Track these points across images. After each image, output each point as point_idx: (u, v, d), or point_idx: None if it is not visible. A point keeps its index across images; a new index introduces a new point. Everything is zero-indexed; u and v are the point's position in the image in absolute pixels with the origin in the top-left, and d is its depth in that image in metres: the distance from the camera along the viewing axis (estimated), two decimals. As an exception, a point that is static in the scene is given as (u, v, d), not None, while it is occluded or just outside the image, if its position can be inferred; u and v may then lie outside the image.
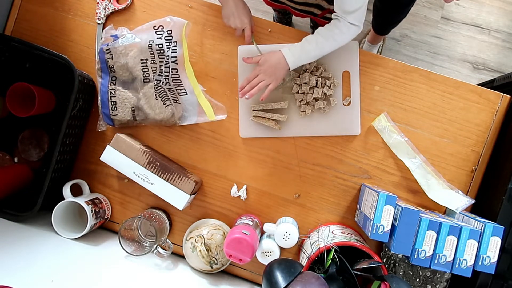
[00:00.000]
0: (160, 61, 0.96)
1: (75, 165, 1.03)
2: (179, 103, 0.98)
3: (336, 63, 0.97)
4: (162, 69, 0.96)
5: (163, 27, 0.96)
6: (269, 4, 1.22)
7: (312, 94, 0.95)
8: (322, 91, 0.95)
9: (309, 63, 0.95)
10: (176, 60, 0.97)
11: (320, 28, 0.90)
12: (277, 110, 0.97)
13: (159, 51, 0.96)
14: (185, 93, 0.98)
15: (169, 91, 0.97)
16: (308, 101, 0.96)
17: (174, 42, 0.96)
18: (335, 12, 0.88)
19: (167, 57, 0.96)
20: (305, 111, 0.97)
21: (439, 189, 0.95)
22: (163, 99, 0.95)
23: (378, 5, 1.28)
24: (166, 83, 0.97)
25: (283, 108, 0.97)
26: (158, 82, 0.96)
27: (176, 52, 0.96)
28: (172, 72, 0.97)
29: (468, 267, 0.79)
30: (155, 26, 0.96)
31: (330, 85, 0.96)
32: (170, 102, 0.96)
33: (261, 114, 0.96)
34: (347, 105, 0.98)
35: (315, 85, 0.95)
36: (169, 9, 1.01)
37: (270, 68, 0.89)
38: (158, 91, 0.96)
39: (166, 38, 0.96)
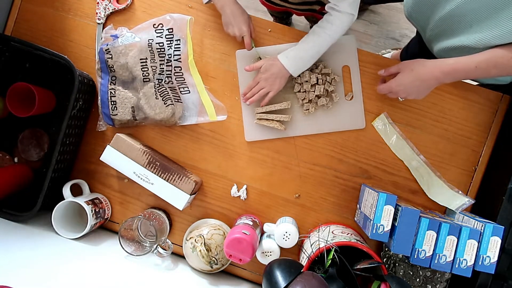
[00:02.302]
0: (160, 60, 0.96)
1: (75, 165, 1.03)
2: (181, 102, 0.98)
3: (334, 58, 0.98)
4: (163, 68, 0.96)
5: (162, 25, 0.96)
6: (268, 7, 1.22)
7: (314, 91, 0.96)
8: (324, 88, 0.95)
9: None
10: (179, 58, 0.97)
11: (314, 26, 0.90)
12: (280, 111, 0.97)
13: (159, 50, 0.96)
14: (188, 91, 0.98)
15: (170, 90, 0.97)
16: (310, 99, 0.96)
17: (176, 40, 0.96)
18: (328, 2, 0.86)
19: (169, 56, 0.96)
20: (308, 109, 0.97)
21: (439, 189, 0.95)
22: (164, 99, 0.95)
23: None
24: (169, 81, 0.97)
25: (286, 109, 0.97)
26: (160, 81, 0.97)
27: (179, 50, 0.96)
28: (175, 70, 0.97)
29: (468, 267, 0.79)
30: (154, 24, 0.96)
31: (331, 81, 0.96)
32: (172, 101, 0.96)
33: (265, 116, 0.97)
34: (349, 99, 0.98)
35: (316, 82, 0.95)
36: (169, 9, 1.01)
37: (271, 77, 0.91)
38: (159, 91, 0.96)
39: (167, 36, 0.96)
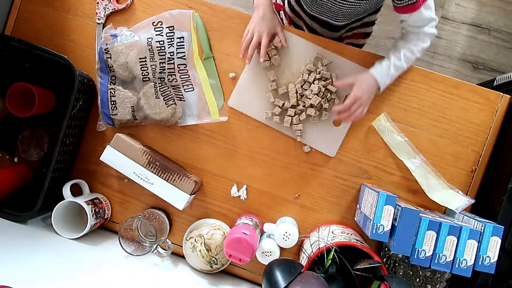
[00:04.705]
0: (160, 59, 0.96)
1: (75, 165, 1.03)
2: (183, 100, 0.97)
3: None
4: (164, 66, 0.96)
5: (162, 23, 0.96)
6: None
7: (310, 99, 0.94)
8: (320, 102, 0.94)
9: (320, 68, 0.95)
10: (184, 56, 0.97)
11: (401, 42, 0.91)
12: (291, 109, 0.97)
13: (159, 48, 0.96)
14: (192, 89, 0.98)
15: (173, 88, 0.97)
16: (306, 105, 0.95)
17: (178, 38, 0.96)
18: (407, 29, 0.89)
19: (171, 54, 0.96)
20: (311, 114, 0.95)
21: (439, 189, 0.95)
22: (165, 98, 0.95)
23: None
24: (172, 79, 0.97)
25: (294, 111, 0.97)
26: (162, 80, 0.96)
27: (183, 47, 0.96)
28: (178, 67, 0.97)
29: (468, 267, 0.79)
30: (154, 22, 0.96)
31: (330, 99, 0.96)
32: (173, 101, 0.96)
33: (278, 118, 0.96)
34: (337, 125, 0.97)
35: (316, 93, 0.94)
36: (169, 9, 1.00)
37: (368, 99, 0.90)
38: (160, 90, 0.96)
39: (167, 34, 0.96)
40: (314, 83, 0.94)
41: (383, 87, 0.91)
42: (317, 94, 0.94)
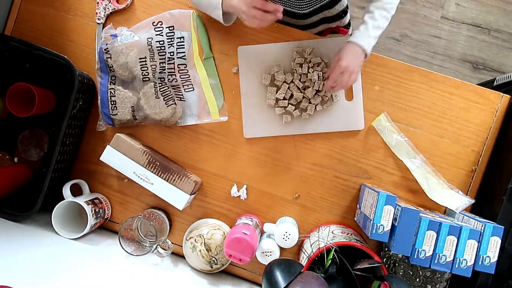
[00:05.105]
0: (160, 59, 0.96)
1: (75, 165, 1.03)
2: (183, 100, 0.97)
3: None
4: (164, 66, 0.96)
5: (162, 23, 0.96)
6: None
7: (313, 87, 0.95)
8: (323, 83, 0.95)
9: (307, 59, 0.96)
10: (184, 56, 0.97)
11: (372, 5, 0.90)
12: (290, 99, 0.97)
13: (159, 48, 0.96)
14: (192, 89, 0.98)
15: (173, 88, 0.97)
16: (313, 92, 0.96)
17: (178, 38, 0.96)
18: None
19: (171, 53, 0.96)
20: (308, 106, 0.96)
21: (439, 189, 0.95)
22: (165, 98, 0.95)
23: None
24: (173, 79, 0.97)
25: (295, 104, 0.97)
26: (162, 80, 0.96)
27: (183, 47, 0.97)
28: (179, 67, 0.97)
29: (468, 267, 0.79)
30: (154, 22, 0.96)
31: None
32: (173, 101, 0.96)
33: (282, 104, 0.96)
34: (350, 100, 0.98)
35: (316, 79, 0.95)
36: (169, 9, 1.00)
37: (356, 65, 0.88)
38: (161, 90, 0.96)
39: (167, 34, 0.96)
40: (309, 72, 0.95)
41: (368, 48, 0.88)
42: (317, 80, 0.95)
